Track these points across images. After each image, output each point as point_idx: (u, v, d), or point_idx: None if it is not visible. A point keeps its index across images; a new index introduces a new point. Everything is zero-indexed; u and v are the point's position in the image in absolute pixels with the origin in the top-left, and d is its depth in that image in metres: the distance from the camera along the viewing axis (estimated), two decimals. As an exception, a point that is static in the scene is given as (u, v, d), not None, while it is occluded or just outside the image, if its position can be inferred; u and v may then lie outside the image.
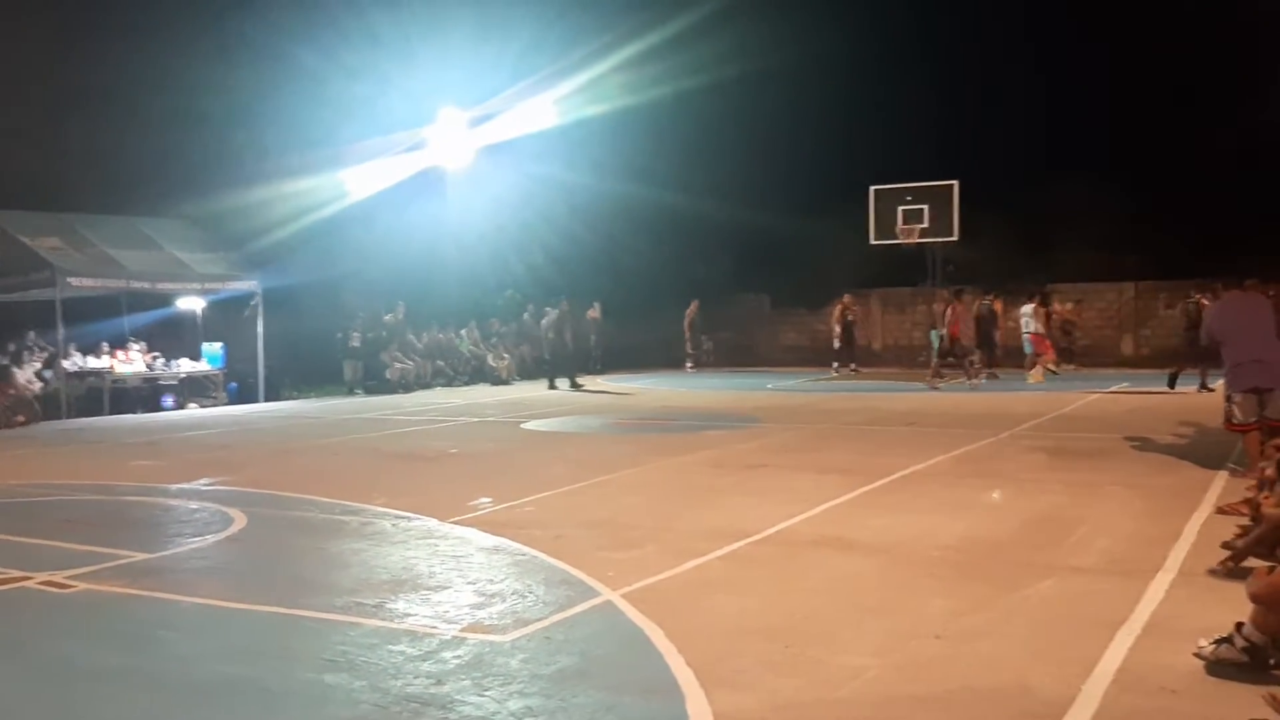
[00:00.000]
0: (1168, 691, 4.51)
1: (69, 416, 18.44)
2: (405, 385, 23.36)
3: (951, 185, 23.84)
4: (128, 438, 15.55)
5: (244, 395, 21.59)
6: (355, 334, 23.53)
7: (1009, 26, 31.23)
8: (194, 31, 27.30)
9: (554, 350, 23.94)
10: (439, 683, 4.79)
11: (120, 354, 20.47)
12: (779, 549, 7.33)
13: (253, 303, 21.35)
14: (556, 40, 28.48)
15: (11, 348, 19.52)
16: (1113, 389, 19.43)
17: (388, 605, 6.07)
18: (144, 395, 20.34)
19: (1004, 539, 7.46)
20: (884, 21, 31.09)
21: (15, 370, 18.58)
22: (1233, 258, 18.27)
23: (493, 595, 6.24)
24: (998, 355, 23.33)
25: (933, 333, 23.06)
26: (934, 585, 6.28)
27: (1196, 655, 4.71)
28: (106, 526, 8.77)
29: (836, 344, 25.81)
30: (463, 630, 5.56)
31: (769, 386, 22.52)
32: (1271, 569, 5.00)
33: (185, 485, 10.69)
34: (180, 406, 20.40)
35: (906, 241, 24.47)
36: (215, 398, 21.12)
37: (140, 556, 7.44)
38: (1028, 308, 21.26)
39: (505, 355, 26.12)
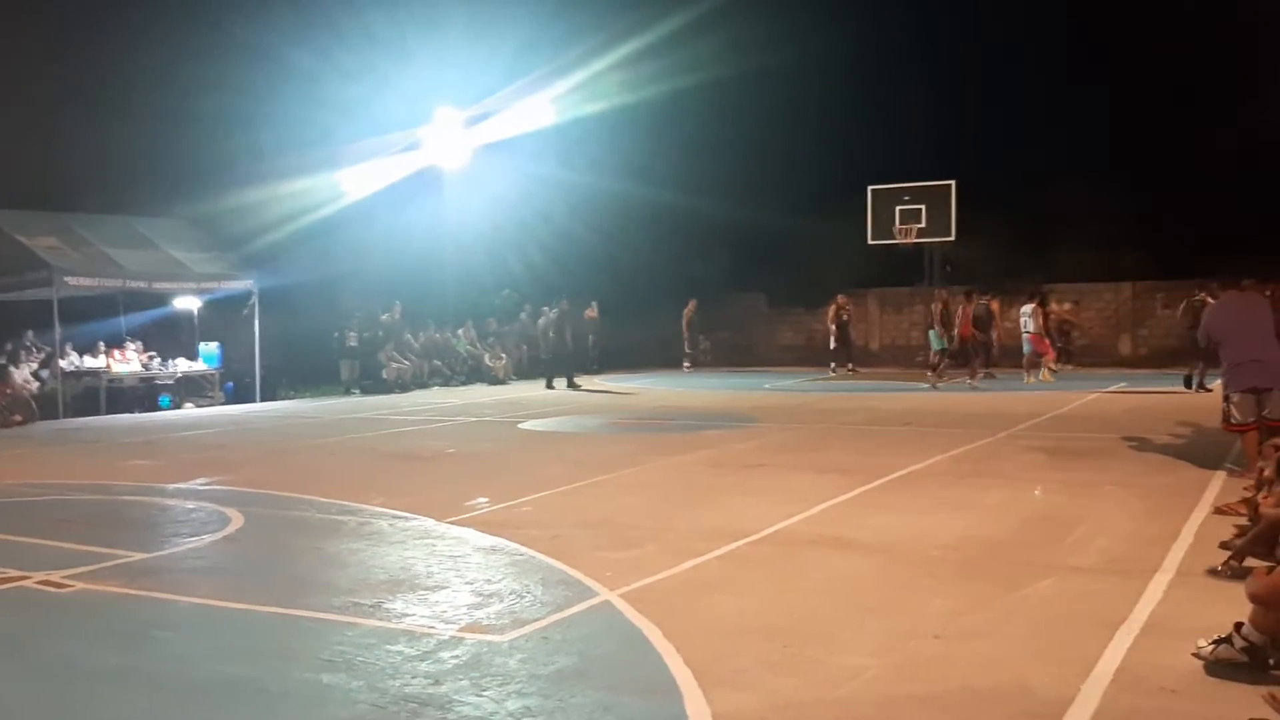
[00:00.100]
0: (1167, 691, 4.50)
1: (66, 416, 18.42)
2: (402, 385, 23.34)
3: (949, 185, 23.86)
4: (124, 437, 15.53)
5: (240, 395, 21.58)
6: (352, 334, 23.51)
7: (1008, 26, 31.30)
8: (191, 31, 27.32)
9: (554, 350, 23.93)
10: (437, 683, 4.78)
11: (117, 353, 20.45)
12: (778, 549, 7.32)
13: (250, 302, 21.32)
14: (553, 39, 28.55)
15: (8, 347, 19.50)
16: (1111, 389, 19.44)
17: (385, 605, 6.05)
18: (140, 395, 20.31)
19: (1003, 539, 7.45)
20: (882, 21, 31.18)
21: (12, 370, 18.55)
22: (1231, 257, 18.27)
23: (490, 595, 6.23)
24: (995, 355, 23.34)
25: (931, 332, 23.05)
26: (933, 585, 6.28)
27: (1195, 655, 4.71)
28: (104, 526, 8.75)
29: (833, 344, 25.80)
30: (461, 630, 5.55)
31: (766, 386, 22.52)
32: (1270, 569, 4.99)
33: (182, 485, 10.68)
34: (177, 406, 20.37)
35: (904, 241, 24.48)
36: (212, 397, 21.10)
37: (137, 556, 7.43)
38: (1028, 307, 21.24)
39: (502, 355, 26.10)
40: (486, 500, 9.24)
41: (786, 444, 12.98)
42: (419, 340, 25.08)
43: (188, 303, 21.95)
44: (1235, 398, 9.38)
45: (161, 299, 21.61)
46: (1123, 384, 20.38)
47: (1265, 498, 6.25)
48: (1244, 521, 6.68)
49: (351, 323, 23.60)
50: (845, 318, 25.80)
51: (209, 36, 27.29)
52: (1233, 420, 9.46)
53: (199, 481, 10.85)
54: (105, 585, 6.62)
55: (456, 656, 5.13)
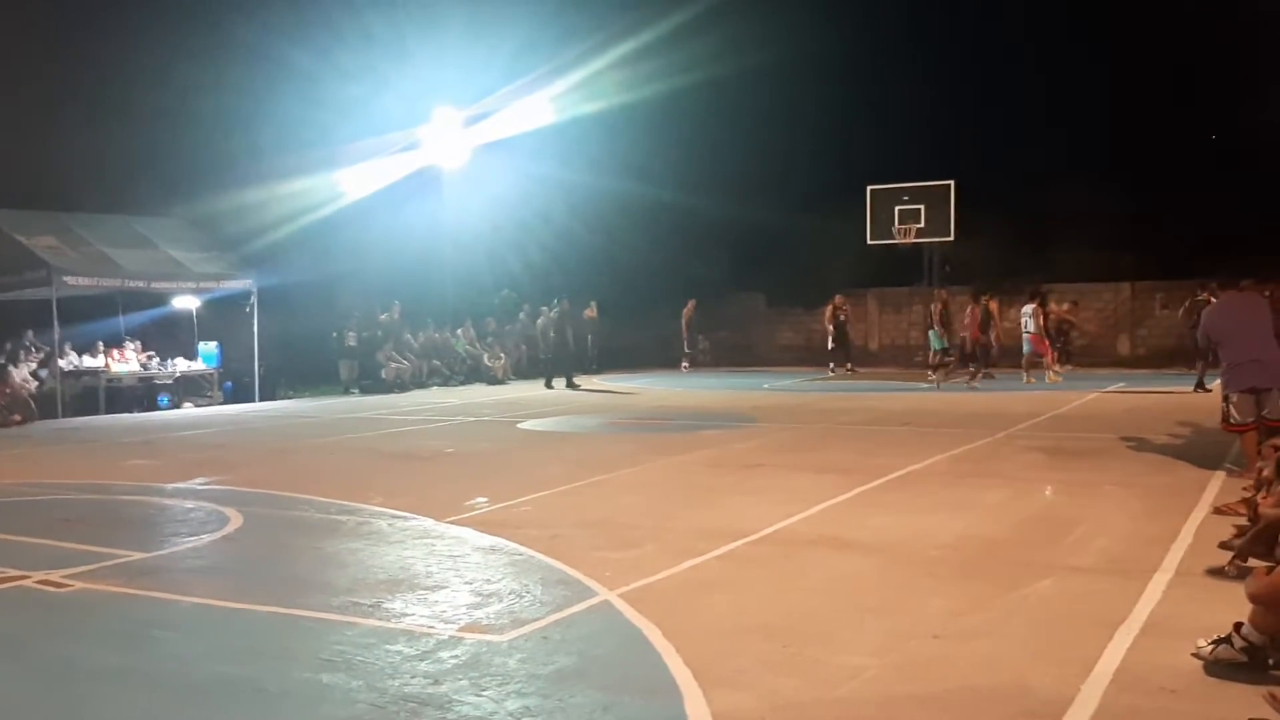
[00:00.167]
0: (1167, 691, 4.50)
1: (65, 416, 18.41)
2: (401, 385, 23.34)
3: (948, 185, 23.84)
4: (123, 437, 15.52)
5: (239, 394, 21.56)
6: (351, 333, 23.52)
7: (1007, 26, 31.31)
8: (191, 31, 27.28)
9: (555, 350, 23.93)
10: (436, 682, 4.77)
11: (116, 353, 20.44)
12: (777, 548, 7.32)
13: (249, 302, 21.32)
14: (551, 38, 28.54)
15: (8, 347, 19.50)
16: (1110, 389, 19.45)
17: (384, 605, 6.05)
18: (139, 394, 20.30)
19: (1002, 538, 7.45)
20: (882, 21, 31.14)
21: (11, 369, 18.55)
22: (1230, 258, 18.26)
23: (490, 595, 6.23)
24: (994, 355, 23.35)
25: (931, 332, 23.07)
26: (932, 585, 6.28)
27: (1195, 655, 4.71)
28: (103, 526, 8.75)
29: (830, 344, 25.77)
30: (460, 630, 5.55)
31: (765, 386, 22.52)
32: (1270, 569, 4.99)
33: (181, 485, 10.67)
34: (175, 406, 20.36)
35: (903, 241, 24.48)
36: (210, 397, 21.09)
37: (137, 556, 7.42)
38: (1028, 308, 21.24)
39: (501, 355, 26.10)
40: (486, 500, 9.24)
41: (786, 444, 12.98)
42: (418, 340, 25.08)
43: (186, 302, 21.94)
44: (1234, 398, 9.38)
45: (160, 299, 21.60)
46: (1122, 384, 20.39)
47: (1264, 498, 6.24)
48: (1243, 521, 6.67)
49: (350, 322, 23.60)
50: (843, 318, 25.80)
51: (208, 36, 27.31)
52: (1232, 420, 9.46)
53: (198, 481, 10.84)
54: (104, 585, 6.61)
55: (456, 656, 5.13)
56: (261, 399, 21.43)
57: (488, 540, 7.69)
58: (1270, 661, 4.58)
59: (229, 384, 21.73)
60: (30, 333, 19.89)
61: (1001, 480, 9.88)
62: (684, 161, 30.02)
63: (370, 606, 6.01)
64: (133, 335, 21.51)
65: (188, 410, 20.09)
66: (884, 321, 30.55)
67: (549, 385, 23.26)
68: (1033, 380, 20.84)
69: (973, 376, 21.68)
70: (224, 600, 6.24)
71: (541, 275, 28.99)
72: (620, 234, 30.58)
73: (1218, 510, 7.87)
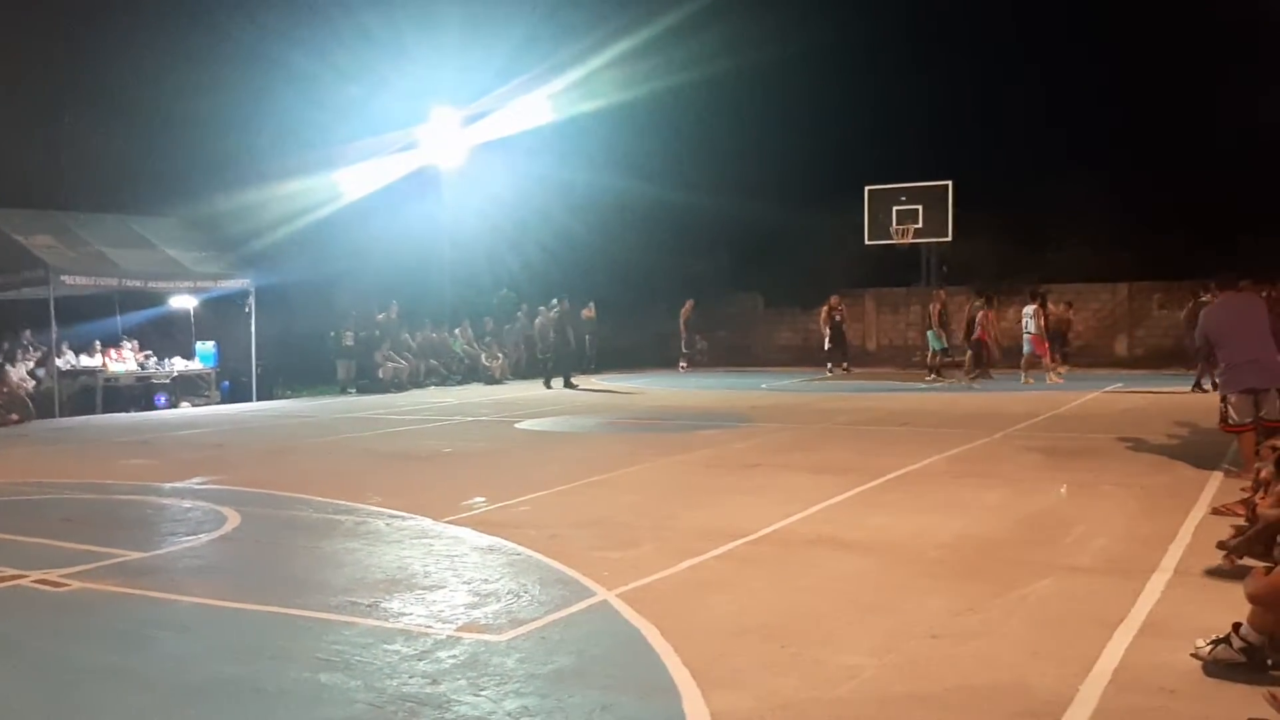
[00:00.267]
0: (1166, 691, 4.50)
1: (62, 415, 18.39)
2: (398, 384, 23.33)
3: (946, 185, 23.86)
4: (120, 436, 15.50)
5: (237, 394, 21.54)
6: (348, 333, 23.50)
7: (1005, 26, 31.32)
8: (188, 31, 27.26)
9: (556, 350, 23.92)
10: (435, 682, 4.77)
11: (113, 352, 20.41)
12: (775, 548, 7.31)
13: (246, 302, 21.30)
14: (549, 37, 28.54)
15: (5, 346, 19.49)
16: (1108, 389, 19.46)
17: (383, 605, 6.04)
18: (137, 394, 20.27)
19: (1000, 538, 7.45)
20: (880, 20, 31.16)
21: (9, 368, 18.54)
22: (1228, 258, 18.29)
23: (488, 595, 6.22)
24: (993, 356, 23.35)
25: (930, 333, 23.09)
26: (931, 584, 6.27)
27: (1194, 655, 4.70)
28: (100, 525, 8.74)
29: (827, 345, 25.75)
30: (458, 630, 5.54)
31: (763, 386, 22.52)
32: (1269, 569, 4.99)
33: (179, 484, 10.66)
34: (173, 405, 20.34)
35: (901, 242, 24.49)
36: (208, 396, 21.07)
37: (134, 555, 7.41)
38: (1029, 308, 21.25)
39: (499, 355, 26.09)
40: (484, 500, 9.23)
41: (784, 444, 12.98)
42: (415, 340, 25.07)
43: (184, 302, 21.92)
44: (1232, 398, 9.39)
45: (158, 298, 21.59)
46: (1119, 384, 20.41)
47: (1263, 499, 6.24)
48: (1241, 522, 6.67)
49: (348, 322, 23.58)
50: (839, 318, 25.79)
51: (206, 36, 27.25)
52: (1230, 421, 9.47)
53: (195, 481, 10.83)
54: (102, 584, 6.60)
55: (454, 656, 5.13)
56: (259, 398, 21.42)
57: (486, 540, 7.68)
58: (1269, 662, 4.58)
59: (226, 383, 21.70)
60: (28, 332, 19.89)
61: (1000, 480, 9.88)
62: (682, 161, 30.06)
63: (368, 606, 6.01)
64: (130, 335, 21.47)
65: (185, 410, 20.06)
66: (882, 322, 30.57)
67: (548, 385, 23.26)
68: (1031, 381, 20.86)
69: (974, 378, 21.70)
70: (222, 600, 6.23)
71: (540, 275, 28.98)
72: (618, 233, 30.59)
73: (1216, 511, 7.84)
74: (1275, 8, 23.49)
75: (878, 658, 4.99)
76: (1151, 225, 26.55)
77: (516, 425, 15.83)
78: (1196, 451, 11.22)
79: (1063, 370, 22.06)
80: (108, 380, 19.88)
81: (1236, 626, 4.62)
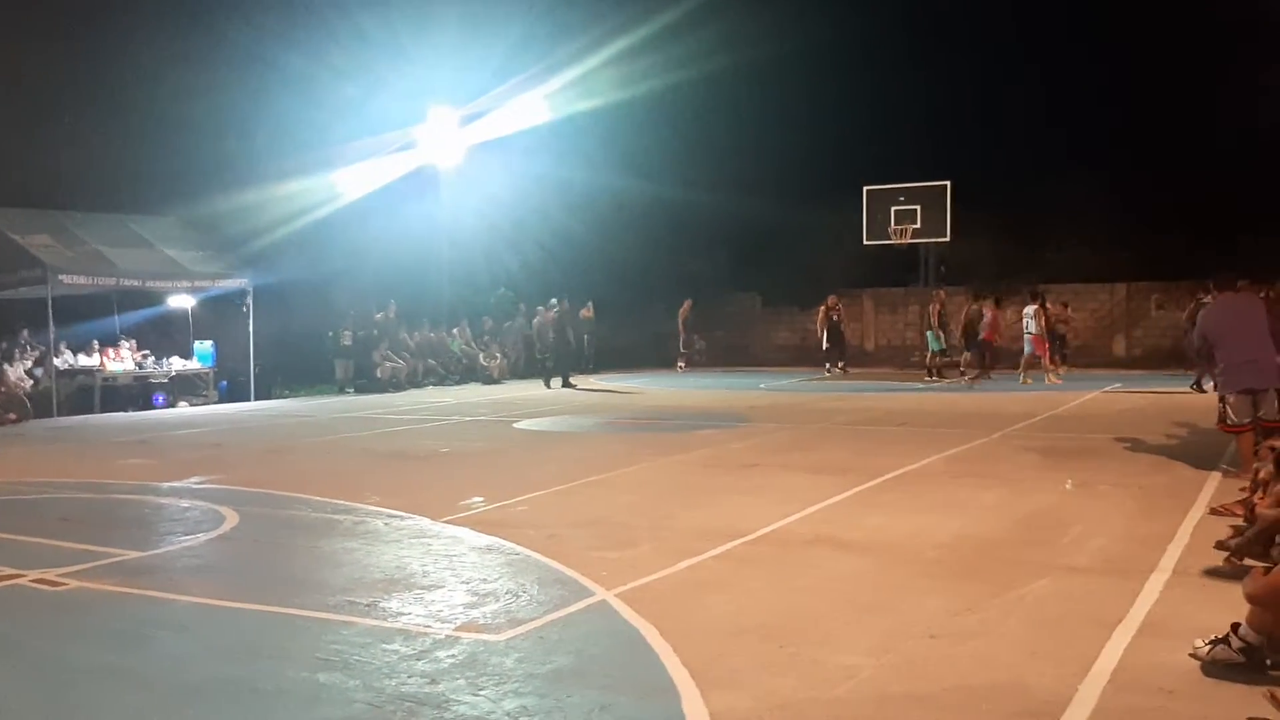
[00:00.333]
0: (1164, 691, 4.50)
1: (60, 415, 18.37)
2: (396, 384, 23.32)
3: (944, 185, 23.88)
4: (119, 436, 15.49)
5: (235, 394, 21.53)
6: (346, 332, 23.49)
7: (1005, 25, 31.33)
8: (187, 31, 27.22)
9: (556, 349, 23.91)
10: (433, 682, 4.76)
11: (111, 352, 20.38)
12: (774, 548, 7.31)
13: (244, 301, 21.28)
14: (546, 36, 28.52)
15: (3, 345, 19.46)
16: (1106, 389, 19.47)
17: (381, 604, 6.04)
18: (135, 393, 20.26)
19: (999, 538, 7.45)
20: (878, 20, 31.16)
21: (7, 368, 18.52)
22: (1226, 258, 18.29)
23: (486, 595, 6.22)
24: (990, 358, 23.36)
25: (929, 333, 23.09)
26: (929, 584, 6.27)
27: (1192, 655, 4.70)
28: (98, 525, 8.73)
29: (824, 345, 25.72)
30: (457, 629, 5.54)
31: (762, 386, 22.52)
32: (1267, 569, 4.99)
33: (177, 484, 10.65)
34: (171, 405, 20.32)
35: (899, 242, 24.50)
36: (206, 396, 21.06)
37: (132, 555, 7.41)
38: (1030, 308, 21.26)
39: (497, 355, 26.08)
40: (482, 500, 9.23)
41: (782, 444, 12.98)
42: (414, 339, 25.05)
43: (182, 301, 21.89)
44: (1231, 398, 9.40)
45: (156, 298, 21.56)
46: (1118, 384, 20.42)
47: (1261, 499, 6.24)
48: (1240, 522, 6.67)
49: (346, 322, 23.57)
50: (836, 318, 25.78)
51: (204, 36, 27.22)
52: (1228, 421, 9.48)
53: (194, 480, 10.82)
54: (100, 584, 6.60)
55: (453, 656, 5.12)
56: (257, 398, 21.41)
57: (484, 540, 7.68)
58: (1268, 662, 4.58)
59: (224, 383, 21.69)
60: (26, 331, 19.85)
61: (998, 480, 9.87)
62: (680, 160, 30.00)
63: (367, 606, 6.00)
64: (128, 334, 21.45)
65: (183, 409, 20.05)
66: (880, 322, 30.58)
67: (547, 385, 23.25)
68: (1029, 381, 20.87)
69: (973, 378, 21.71)
70: (220, 599, 6.23)
71: (538, 274, 28.96)
72: (616, 233, 30.57)
73: (1214, 511, 7.85)
74: (1275, 8, 23.50)
75: (876, 658, 4.99)
76: (1151, 225, 26.55)
77: (515, 425, 15.82)
78: (1195, 452, 11.22)
79: (1061, 371, 22.07)
80: (105, 380, 19.86)
81: (1235, 626, 4.62)
